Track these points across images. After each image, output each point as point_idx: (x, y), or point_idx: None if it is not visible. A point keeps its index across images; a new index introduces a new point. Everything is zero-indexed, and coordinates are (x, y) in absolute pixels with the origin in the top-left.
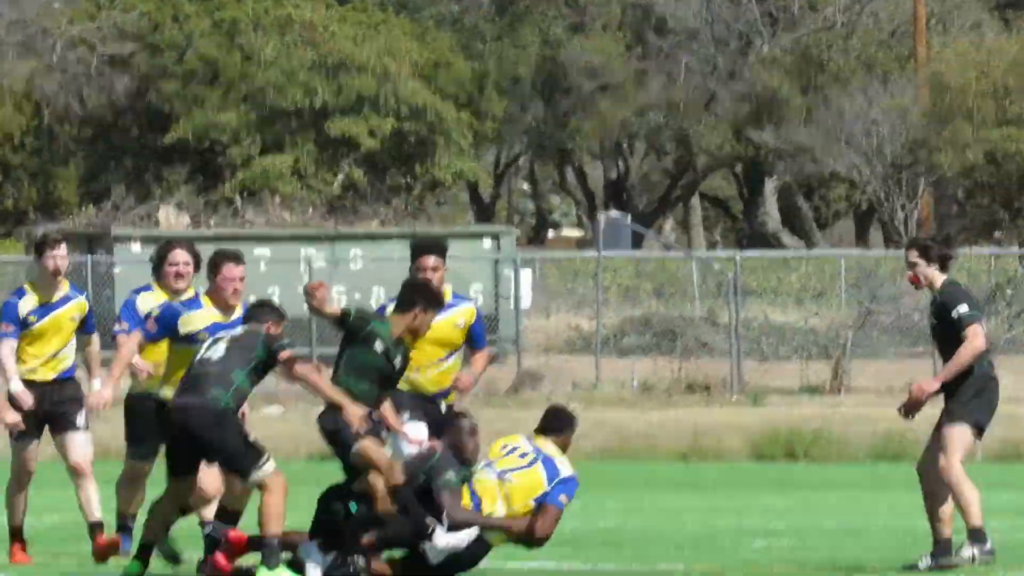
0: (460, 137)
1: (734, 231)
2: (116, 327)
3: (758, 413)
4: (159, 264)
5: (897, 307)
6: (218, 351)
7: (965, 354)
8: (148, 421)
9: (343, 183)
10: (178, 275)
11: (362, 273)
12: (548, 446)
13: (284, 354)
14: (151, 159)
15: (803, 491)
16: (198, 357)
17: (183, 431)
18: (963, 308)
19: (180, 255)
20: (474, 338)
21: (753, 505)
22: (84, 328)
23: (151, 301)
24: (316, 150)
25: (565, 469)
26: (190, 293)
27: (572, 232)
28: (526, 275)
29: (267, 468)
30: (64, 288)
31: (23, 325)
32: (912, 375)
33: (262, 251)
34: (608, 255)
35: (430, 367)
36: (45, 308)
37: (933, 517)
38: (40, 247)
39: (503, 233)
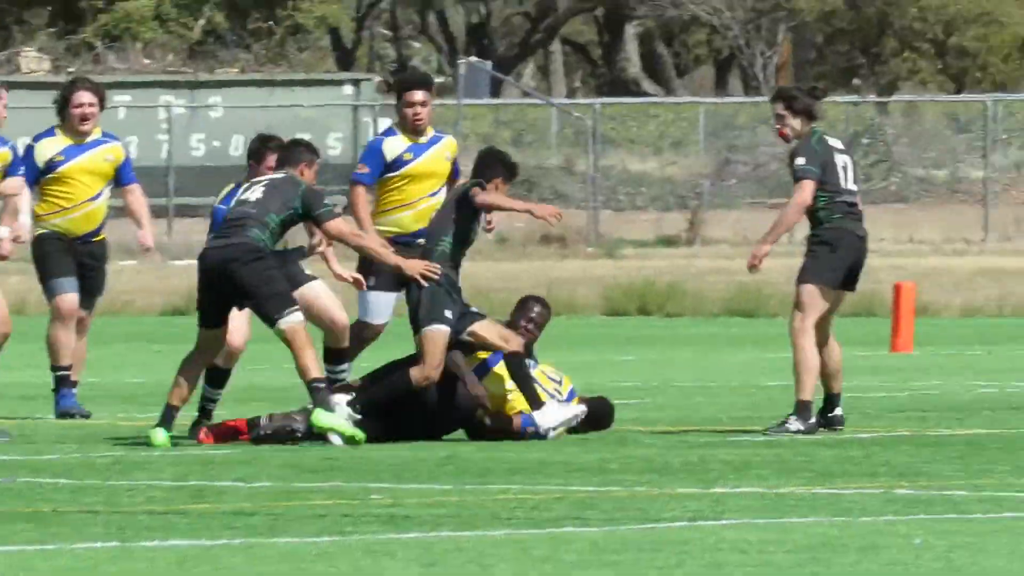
0: None
1: (594, 77)
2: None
3: (613, 266)
4: (63, 106)
5: (754, 156)
6: (255, 193)
7: (788, 210)
8: (60, 255)
9: (204, 28)
10: (83, 117)
11: (222, 120)
12: None
13: (329, 224)
14: (11, 2)
15: (656, 347)
16: (235, 199)
17: (221, 270)
18: (800, 160)
19: (84, 96)
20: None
21: (603, 361)
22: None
23: (54, 147)
24: None
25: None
26: (96, 135)
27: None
28: (385, 123)
29: (295, 317)
30: None
31: None
32: (769, 226)
33: (122, 97)
34: (468, 102)
35: (420, 202)
36: None
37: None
38: None
39: (363, 79)
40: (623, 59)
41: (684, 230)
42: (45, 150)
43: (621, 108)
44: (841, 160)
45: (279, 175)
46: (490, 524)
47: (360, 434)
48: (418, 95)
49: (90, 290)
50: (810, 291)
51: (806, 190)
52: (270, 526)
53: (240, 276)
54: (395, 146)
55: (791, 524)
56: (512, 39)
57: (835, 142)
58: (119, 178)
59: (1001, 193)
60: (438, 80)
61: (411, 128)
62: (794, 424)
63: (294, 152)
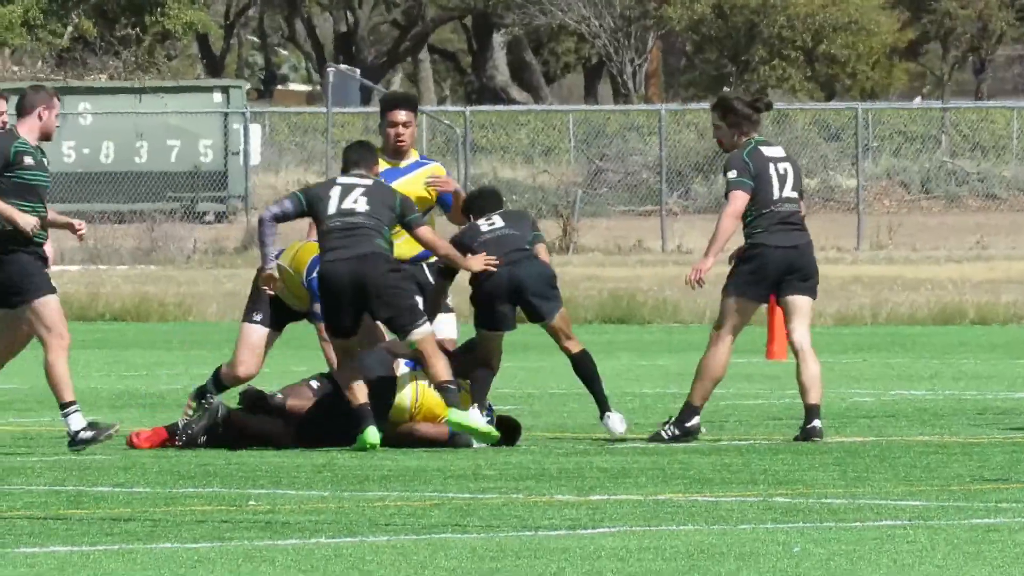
0: None
1: (463, 85)
2: None
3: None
4: None
5: (625, 165)
6: (360, 204)
7: (721, 221)
8: None
9: (72, 35)
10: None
11: (92, 127)
12: None
13: (420, 230)
14: None
15: (531, 354)
16: (337, 207)
17: (357, 282)
18: (731, 173)
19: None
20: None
21: None
22: None
23: None
24: (45, 0)
25: None
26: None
27: (301, 86)
28: (255, 130)
29: (426, 327)
30: None
31: None
32: (640, 234)
33: None
34: (337, 111)
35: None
36: None
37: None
38: None
39: (232, 87)
40: (492, 67)
41: (557, 238)
42: None
43: (491, 116)
44: (780, 168)
45: (368, 181)
46: (369, 530)
47: (495, 433)
48: (401, 115)
49: None
50: (725, 303)
51: (737, 200)
52: (149, 532)
53: (378, 287)
54: None
55: (669, 532)
56: (381, 47)
57: (772, 151)
58: None
59: (873, 201)
60: (305, 88)
61: (392, 149)
62: (668, 430)
63: (362, 156)
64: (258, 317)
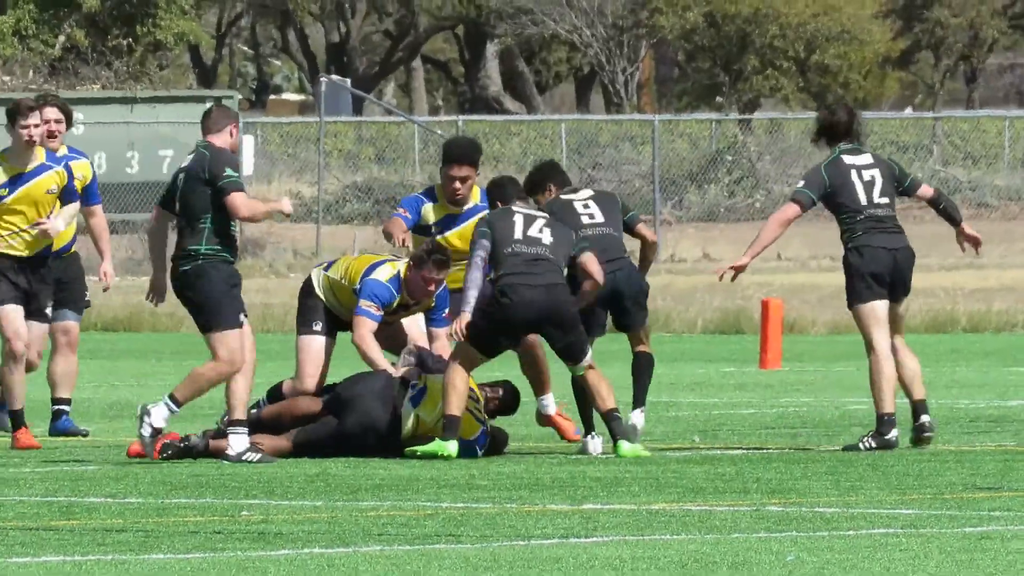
0: None
1: (456, 95)
2: None
3: None
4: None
5: (618, 173)
6: (545, 234)
7: (765, 224)
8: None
9: (64, 44)
10: (50, 134)
11: (84, 137)
12: None
13: (583, 258)
14: None
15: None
16: (523, 234)
17: (550, 311)
18: (799, 183)
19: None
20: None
21: None
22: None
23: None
24: (37, 10)
25: None
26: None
27: (293, 96)
28: (248, 141)
29: (590, 357)
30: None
31: None
32: (633, 244)
33: None
34: (329, 120)
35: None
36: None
37: (903, 389)
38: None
39: (225, 97)
40: (484, 77)
41: None
42: None
43: (483, 125)
44: (866, 175)
45: (551, 219)
46: (362, 540)
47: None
48: (461, 171)
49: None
50: (856, 317)
51: (788, 209)
52: (141, 543)
53: (564, 318)
54: (429, 213)
55: (663, 541)
56: (373, 57)
57: (858, 159)
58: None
59: None
60: (297, 98)
61: (450, 200)
62: (866, 443)
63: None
64: (317, 327)
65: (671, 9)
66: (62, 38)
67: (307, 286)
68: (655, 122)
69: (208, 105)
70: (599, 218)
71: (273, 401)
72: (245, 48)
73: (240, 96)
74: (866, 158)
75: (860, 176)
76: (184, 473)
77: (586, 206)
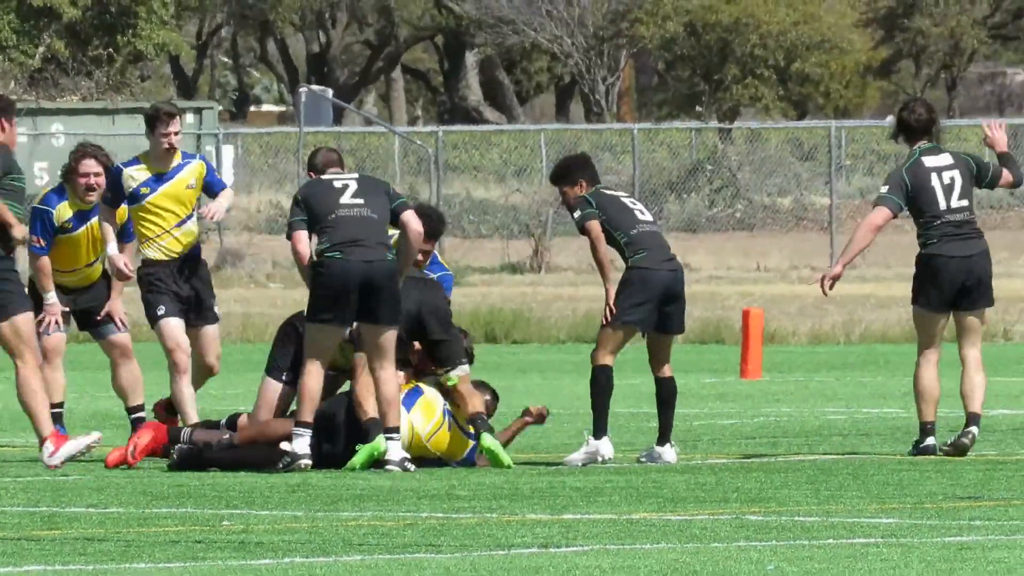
0: (161, 7)
1: (436, 105)
2: None
3: (459, 293)
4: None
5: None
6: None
7: (856, 231)
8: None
9: (44, 55)
10: (88, 188)
11: (64, 148)
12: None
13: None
14: None
15: (503, 373)
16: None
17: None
18: (882, 188)
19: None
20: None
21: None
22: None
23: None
24: (17, 20)
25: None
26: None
27: (274, 107)
28: (228, 151)
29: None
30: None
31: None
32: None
33: None
34: (310, 131)
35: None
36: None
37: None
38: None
39: (205, 108)
40: (464, 87)
41: (529, 257)
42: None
43: (463, 135)
44: (945, 177)
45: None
46: (342, 550)
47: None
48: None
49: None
50: (915, 321)
51: (876, 216)
52: (122, 552)
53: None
54: None
55: (643, 550)
56: (353, 67)
57: (938, 159)
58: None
59: (846, 220)
60: (278, 109)
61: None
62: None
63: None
64: (285, 377)
65: (651, 19)
66: (42, 49)
67: (292, 329)
68: (635, 131)
69: (188, 116)
70: (648, 216)
71: (231, 427)
72: (225, 59)
73: (220, 107)
74: (945, 158)
75: (940, 179)
76: (165, 483)
77: (633, 202)
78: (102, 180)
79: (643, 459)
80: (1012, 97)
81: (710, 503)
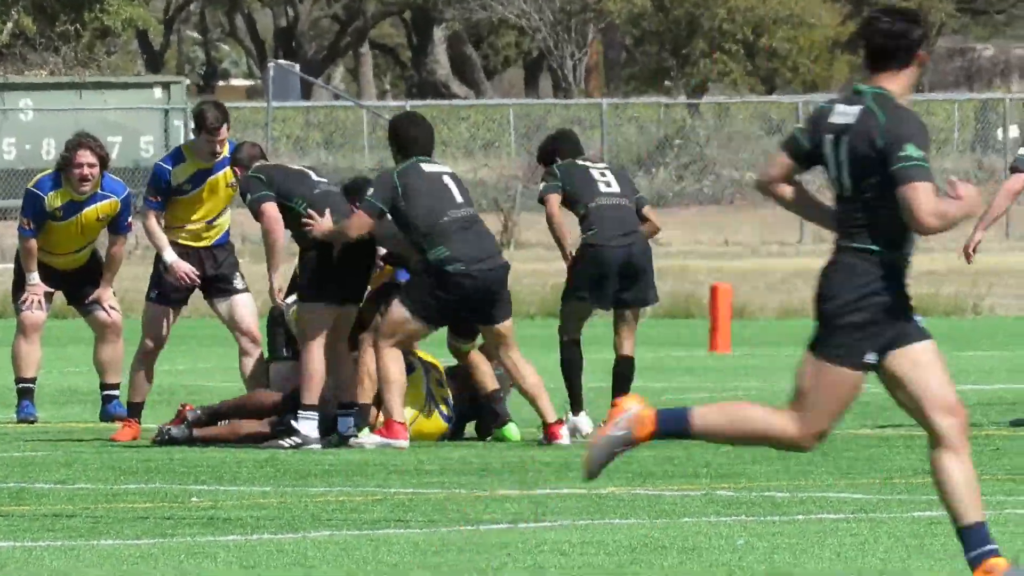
0: None
1: (404, 80)
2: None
3: None
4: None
5: None
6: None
7: (995, 197)
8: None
9: (12, 31)
10: (83, 179)
11: (32, 123)
12: None
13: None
14: None
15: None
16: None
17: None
18: (1021, 150)
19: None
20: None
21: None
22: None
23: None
24: None
25: None
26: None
27: (242, 82)
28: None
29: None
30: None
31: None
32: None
33: None
34: (278, 105)
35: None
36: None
37: None
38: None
39: (173, 83)
40: (432, 61)
41: (498, 232)
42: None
43: (431, 110)
44: None
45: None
46: (311, 526)
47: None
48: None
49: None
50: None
51: (1014, 181)
52: (91, 528)
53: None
54: None
55: (612, 525)
56: (321, 42)
57: None
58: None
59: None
60: (246, 83)
61: None
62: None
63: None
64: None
65: None
66: (9, 24)
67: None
68: (603, 106)
69: (156, 91)
70: (615, 188)
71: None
72: (193, 34)
73: (188, 82)
74: None
75: None
76: (133, 459)
77: (603, 174)
78: (96, 171)
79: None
80: (981, 72)
81: (680, 478)
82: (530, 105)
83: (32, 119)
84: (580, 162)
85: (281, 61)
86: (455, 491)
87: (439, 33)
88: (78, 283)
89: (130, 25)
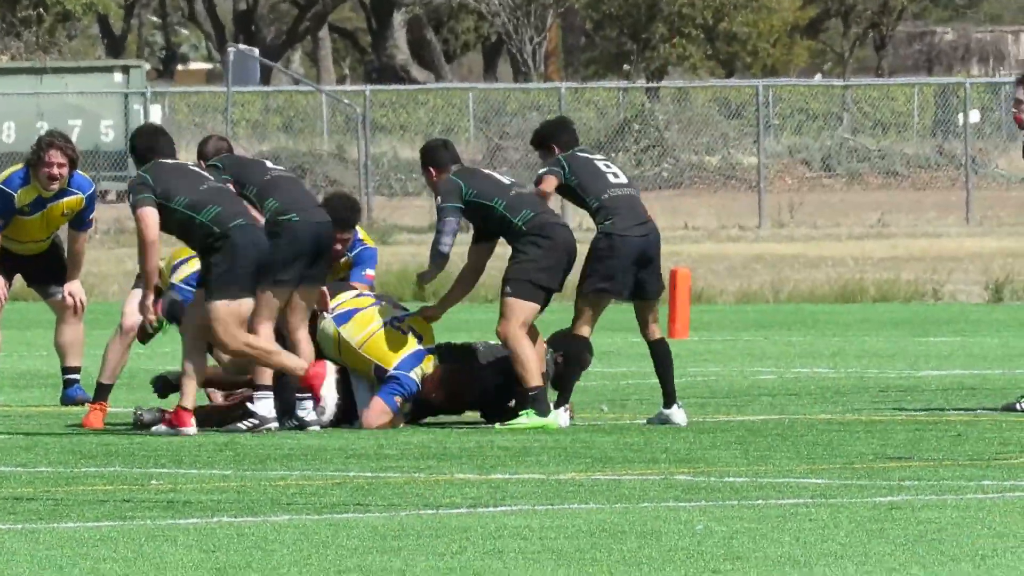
0: None
1: (363, 64)
2: None
3: (387, 252)
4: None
5: (525, 143)
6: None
7: None
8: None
9: None
10: (51, 177)
11: None
12: None
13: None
14: None
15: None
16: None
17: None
18: None
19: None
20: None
21: None
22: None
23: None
24: None
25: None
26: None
27: (202, 65)
28: (156, 110)
29: None
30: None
31: None
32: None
33: None
34: (237, 90)
35: None
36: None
37: None
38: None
39: (133, 67)
40: (392, 46)
41: None
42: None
43: (391, 95)
44: None
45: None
46: (271, 510)
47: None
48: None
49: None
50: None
51: None
52: (51, 511)
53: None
54: None
55: (571, 510)
56: (280, 26)
57: None
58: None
59: (774, 179)
60: (205, 67)
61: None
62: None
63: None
64: None
65: None
66: None
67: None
68: (562, 90)
69: (116, 75)
70: (623, 178)
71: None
72: (153, 18)
73: (148, 66)
74: None
75: None
76: (94, 442)
77: (607, 165)
78: (65, 171)
79: (653, 421)
80: (941, 56)
81: (639, 463)
82: (489, 90)
83: None
84: (581, 154)
85: (241, 46)
86: (414, 475)
87: (399, 17)
88: (38, 266)
89: (91, 9)
